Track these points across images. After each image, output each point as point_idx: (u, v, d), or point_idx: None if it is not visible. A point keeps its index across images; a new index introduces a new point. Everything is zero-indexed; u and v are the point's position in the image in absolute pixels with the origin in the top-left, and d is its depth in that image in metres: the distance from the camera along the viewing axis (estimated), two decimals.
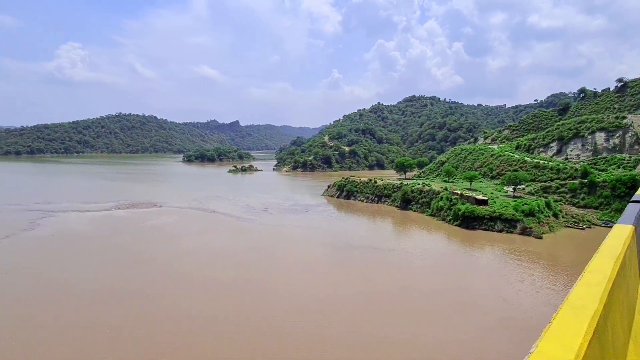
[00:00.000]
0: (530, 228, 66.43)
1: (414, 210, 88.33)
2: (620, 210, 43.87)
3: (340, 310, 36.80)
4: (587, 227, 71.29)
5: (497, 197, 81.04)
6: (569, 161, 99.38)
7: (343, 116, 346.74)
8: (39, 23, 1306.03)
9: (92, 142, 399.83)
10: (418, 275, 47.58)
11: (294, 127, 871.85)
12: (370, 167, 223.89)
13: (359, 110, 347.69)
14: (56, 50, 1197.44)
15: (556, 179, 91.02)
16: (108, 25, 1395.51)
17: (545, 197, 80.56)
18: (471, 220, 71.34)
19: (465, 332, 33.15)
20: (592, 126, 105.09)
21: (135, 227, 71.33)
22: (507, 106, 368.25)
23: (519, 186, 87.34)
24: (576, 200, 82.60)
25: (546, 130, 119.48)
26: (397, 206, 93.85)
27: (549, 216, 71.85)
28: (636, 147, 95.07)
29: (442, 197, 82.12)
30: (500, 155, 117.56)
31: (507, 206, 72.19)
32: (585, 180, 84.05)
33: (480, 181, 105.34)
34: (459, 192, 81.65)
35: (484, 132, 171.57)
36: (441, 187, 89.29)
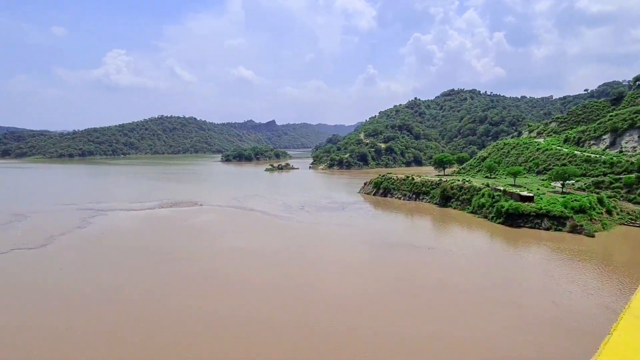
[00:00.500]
0: (581, 226, 62.51)
1: (454, 208, 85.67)
2: None
3: (379, 309, 36.24)
4: None
5: (544, 194, 76.89)
6: (623, 154, 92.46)
7: (379, 113, 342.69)
8: (88, 32, 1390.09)
9: (137, 143, 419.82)
10: (459, 274, 46.00)
11: (330, 125, 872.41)
12: (407, 164, 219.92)
13: (395, 106, 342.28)
14: (103, 57, 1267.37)
15: (609, 173, 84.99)
16: (150, 32, 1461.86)
17: (598, 193, 75.55)
18: (515, 217, 68.17)
19: (509, 333, 31.61)
20: None
21: (176, 226, 73.92)
22: (554, 97, 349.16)
23: (567, 182, 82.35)
24: (632, 196, 76.74)
25: (598, 122, 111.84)
26: (435, 203, 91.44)
27: (601, 213, 67.37)
28: None
29: (483, 194, 79.09)
30: (546, 149, 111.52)
31: (555, 203, 68.31)
32: None
33: (525, 177, 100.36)
34: (502, 188, 78.25)
35: (529, 125, 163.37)
36: (483, 184, 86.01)
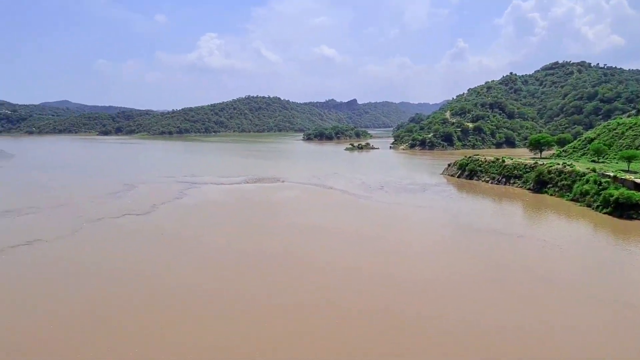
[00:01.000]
0: None
1: (550, 194, 77.53)
2: None
3: (464, 297, 34.52)
4: None
5: None
6: None
7: (468, 90, 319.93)
8: (185, 18, 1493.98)
9: (226, 122, 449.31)
10: (552, 266, 41.73)
11: (413, 104, 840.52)
12: (498, 145, 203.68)
13: (486, 82, 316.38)
14: (197, 41, 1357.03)
15: None
16: (240, 15, 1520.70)
17: None
18: (627, 208, 59.44)
19: (612, 334, 27.98)
20: None
21: (260, 200, 78.18)
22: None
23: None
24: None
25: None
26: (529, 189, 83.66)
27: None
28: None
29: (588, 180, 70.13)
30: None
31: None
32: None
33: None
34: (612, 174, 68.58)
35: None
36: (587, 168, 76.18)
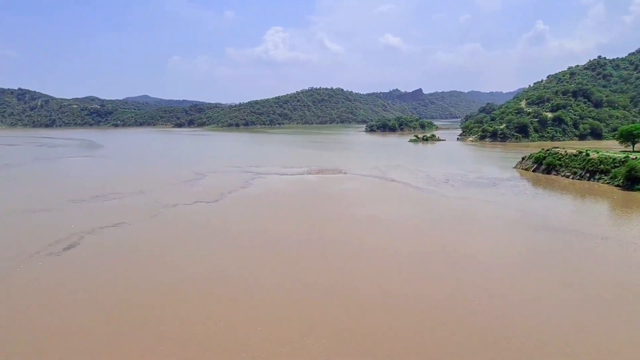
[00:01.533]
0: None
1: None
2: None
3: (528, 300, 31.97)
4: None
5: None
6: None
7: (547, 77, 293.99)
8: (252, 13, 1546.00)
9: (290, 114, 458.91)
10: None
11: (484, 93, 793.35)
12: (581, 137, 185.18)
13: (569, 68, 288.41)
14: (263, 35, 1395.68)
15: None
16: (304, 6, 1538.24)
17: None
18: None
19: None
20: None
21: (322, 191, 78.75)
22: None
23: None
24: None
25: None
26: (617, 185, 75.08)
27: None
28: None
29: None
30: None
31: None
32: None
33: None
34: None
35: None
36: None
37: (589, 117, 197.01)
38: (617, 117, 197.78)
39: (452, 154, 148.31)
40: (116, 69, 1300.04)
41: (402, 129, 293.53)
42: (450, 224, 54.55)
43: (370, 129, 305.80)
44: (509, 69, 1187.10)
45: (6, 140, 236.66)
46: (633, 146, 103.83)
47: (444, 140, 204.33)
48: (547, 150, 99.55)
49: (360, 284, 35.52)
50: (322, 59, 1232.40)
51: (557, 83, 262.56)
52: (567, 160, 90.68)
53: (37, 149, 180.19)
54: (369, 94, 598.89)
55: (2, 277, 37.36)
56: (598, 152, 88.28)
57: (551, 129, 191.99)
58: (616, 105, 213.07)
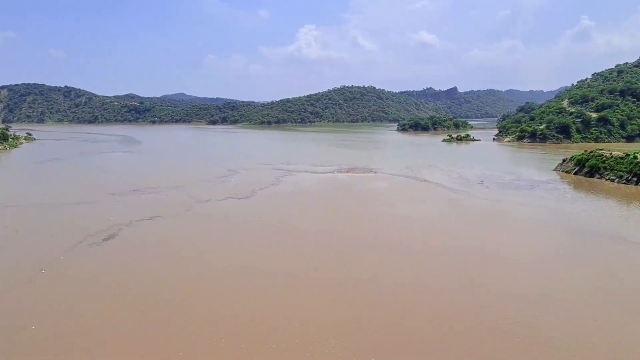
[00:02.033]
0: None
1: None
2: None
3: (575, 314, 30.51)
4: None
5: None
6: None
7: (592, 75, 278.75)
8: (286, 12, 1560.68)
9: (321, 112, 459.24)
10: None
11: (522, 92, 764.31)
12: (629, 139, 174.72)
13: (617, 65, 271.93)
14: (296, 33, 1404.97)
15: None
16: (338, 5, 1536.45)
17: None
18: None
19: None
20: None
21: (352, 190, 78.40)
22: None
23: None
24: None
25: None
26: None
27: None
28: None
29: None
30: None
31: None
32: None
33: None
34: None
35: None
36: None
37: (638, 118, 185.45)
38: None
39: (487, 155, 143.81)
40: (154, 68, 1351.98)
41: (435, 129, 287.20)
42: (484, 226, 52.92)
43: (402, 128, 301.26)
44: (550, 67, 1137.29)
45: (54, 135, 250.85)
46: None
47: (479, 140, 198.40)
48: (591, 152, 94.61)
49: (391, 281, 35.13)
50: (355, 57, 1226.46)
51: (603, 81, 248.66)
52: (612, 163, 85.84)
53: (81, 144, 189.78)
54: (401, 93, 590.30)
55: (51, 263, 39.74)
56: None
57: (595, 129, 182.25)
58: None
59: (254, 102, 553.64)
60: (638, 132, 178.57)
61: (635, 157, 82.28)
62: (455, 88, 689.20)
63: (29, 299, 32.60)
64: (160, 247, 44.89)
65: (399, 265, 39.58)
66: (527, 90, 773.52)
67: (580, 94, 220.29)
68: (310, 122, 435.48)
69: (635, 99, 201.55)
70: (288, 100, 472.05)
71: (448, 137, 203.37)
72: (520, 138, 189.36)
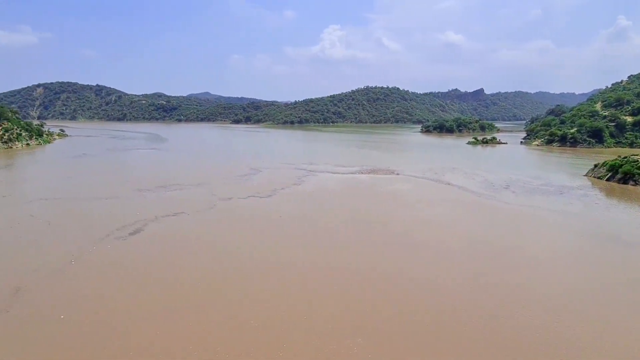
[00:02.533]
0: None
1: None
2: None
3: (603, 326, 29.33)
4: None
5: None
6: None
7: (628, 77, 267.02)
8: (311, 12, 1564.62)
9: (344, 113, 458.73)
10: None
11: (553, 94, 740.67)
12: None
13: None
14: (321, 34, 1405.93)
15: None
16: (363, 5, 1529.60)
17: None
18: None
19: None
20: None
21: (374, 191, 77.81)
22: None
23: None
24: None
25: None
26: None
27: None
28: None
29: None
30: None
31: None
32: None
33: None
34: None
35: None
36: None
37: None
38: None
39: (514, 159, 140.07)
40: (181, 67, 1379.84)
41: (460, 131, 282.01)
42: (508, 231, 51.55)
43: (426, 130, 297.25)
44: (583, 69, 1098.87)
45: (85, 132, 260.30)
46: None
47: (506, 143, 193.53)
48: (625, 157, 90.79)
49: (418, 277, 34.69)
50: (379, 57, 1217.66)
51: (639, 84, 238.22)
52: None
53: (110, 141, 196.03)
54: (426, 94, 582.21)
55: (80, 255, 41.20)
56: None
57: (630, 134, 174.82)
58: None
59: (277, 101, 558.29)
60: None
61: None
62: (482, 89, 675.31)
63: (59, 289, 33.87)
64: (184, 242, 45.83)
65: (420, 266, 39.02)
66: (558, 92, 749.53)
67: (614, 97, 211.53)
68: (333, 122, 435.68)
69: None
70: (311, 101, 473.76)
71: (473, 140, 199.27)
72: (549, 142, 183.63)
